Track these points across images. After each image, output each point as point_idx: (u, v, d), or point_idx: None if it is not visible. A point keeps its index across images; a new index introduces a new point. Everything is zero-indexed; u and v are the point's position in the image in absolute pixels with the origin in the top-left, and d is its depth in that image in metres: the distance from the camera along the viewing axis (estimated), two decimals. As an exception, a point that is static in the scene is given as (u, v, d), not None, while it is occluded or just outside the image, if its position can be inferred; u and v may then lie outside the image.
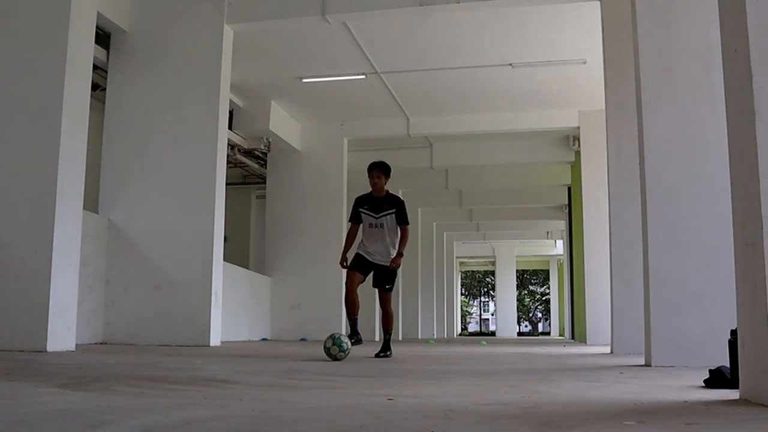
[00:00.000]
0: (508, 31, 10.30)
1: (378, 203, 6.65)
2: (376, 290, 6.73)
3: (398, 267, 6.56)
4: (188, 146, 8.74)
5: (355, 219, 6.72)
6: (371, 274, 6.67)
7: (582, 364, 5.57)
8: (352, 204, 6.82)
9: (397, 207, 6.63)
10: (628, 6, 6.18)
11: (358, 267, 6.51)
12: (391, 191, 6.83)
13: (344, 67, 11.59)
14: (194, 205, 8.65)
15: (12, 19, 6.67)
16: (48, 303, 6.08)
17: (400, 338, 18.34)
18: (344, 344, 5.62)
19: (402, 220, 6.62)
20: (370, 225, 6.59)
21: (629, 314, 7.31)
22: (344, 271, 6.61)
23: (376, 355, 6.46)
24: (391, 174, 6.84)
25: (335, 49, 10.89)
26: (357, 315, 6.47)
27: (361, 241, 6.64)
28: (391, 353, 6.55)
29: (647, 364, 5.18)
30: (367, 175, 6.74)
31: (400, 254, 6.53)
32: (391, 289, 6.69)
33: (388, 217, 6.58)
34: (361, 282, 6.55)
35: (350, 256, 6.63)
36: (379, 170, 6.70)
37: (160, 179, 8.76)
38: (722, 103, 2.87)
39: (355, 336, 6.27)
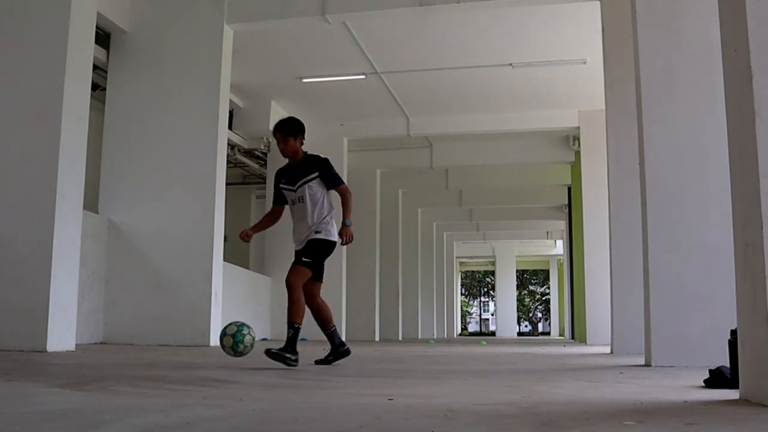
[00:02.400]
0: (508, 31, 10.30)
1: (294, 172, 5.04)
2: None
3: (349, 239, 4.89)
4: (188, 146, 8.74)
5: (278, 200, 5.18)
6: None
7: (582, 364, 5.57)
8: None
9: (319, 169, 4.97)
10: (628, 6, 6.18)
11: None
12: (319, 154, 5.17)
13: (344, 67, 11.59)
14: (194, 205, 8.65)
15: (12, 19, 6.67)
16: (48, 303, 6.08)
17: (400, 338, 18.34)
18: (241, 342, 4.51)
19: (332, 181, 4.99)
20: (292, 202, 5.05)
21: (629, 314, 7.31)
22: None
23: (266, 351, 4.55)
24: (305, 130, 5.12)
25: (335, 49, 10.89)
26: (299, 322, 4.77)
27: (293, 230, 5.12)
28: (293, 360, 4.56)
29: (647, 364, 5.18)
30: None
31: (345, 224, 4.89)
32: (310, 264, 4.88)
33: (308, 184, 4.94)
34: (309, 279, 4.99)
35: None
36: (282, 132, 5.00)
37: (160, 179, 8.76)
38: (722, 103, 2.87)
39: (287, 350, 4.59)
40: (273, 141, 13.79)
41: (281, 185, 5.10)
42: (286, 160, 5.18)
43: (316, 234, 4.93)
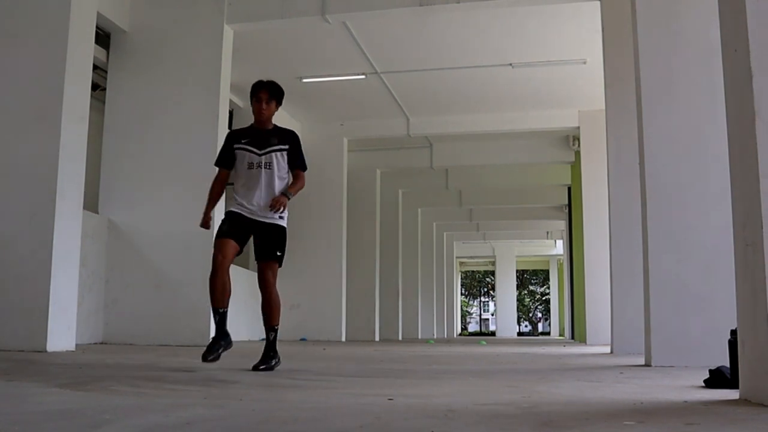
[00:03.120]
0: (508, 31, 10.30)
1: (263, 136, 4.62)
2: (258, 265, 4.68)
3: (280, 207, 4.47)
4: (188, 146, 8.74)
5: (225, 162, 4.71)
6: (254, 243, 4.72)
7: (582, 364, 5.57)
8: (223, 142, 4.85)
9: (291, 143, 4.62)
10: (628, 6, 6.17)
11: (232, 232, 4.52)
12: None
13: (344, 67, 11.59)
14: (194, 205, 8.59)
15: (12, 19, 6.67)
16: (48, 303, 6.08)
17: (400, 338, 18.34)
18: None
19: (297, 162, 4.62)
20: (250, 165, 4.55)
21: (629, 314, 7.31)
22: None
23: (255, 368, 4.33)
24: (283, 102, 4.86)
25: (335, 49, 10.89)
26: (226, 306, 4.46)
27: (235, 193, 4.65)
28: (278, 361, 4.47)
29: (647, 364, 5.18)
30: (251, 101, 4.75)
31: (284, 194, 4.51)
32: (280, 260, 4.65)
33: (278, 154, 4.56)
34: (237, 254, 4.59)
35: (217, 218, 4.87)
36: (269, 92, 4.66)
37: (160, 179, 8.76)
38: (722, 103, 2.87)
39: (222, 340, 4.37)
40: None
41: (240, 145, 4.60)
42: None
43: (281, 219, 4.62)
